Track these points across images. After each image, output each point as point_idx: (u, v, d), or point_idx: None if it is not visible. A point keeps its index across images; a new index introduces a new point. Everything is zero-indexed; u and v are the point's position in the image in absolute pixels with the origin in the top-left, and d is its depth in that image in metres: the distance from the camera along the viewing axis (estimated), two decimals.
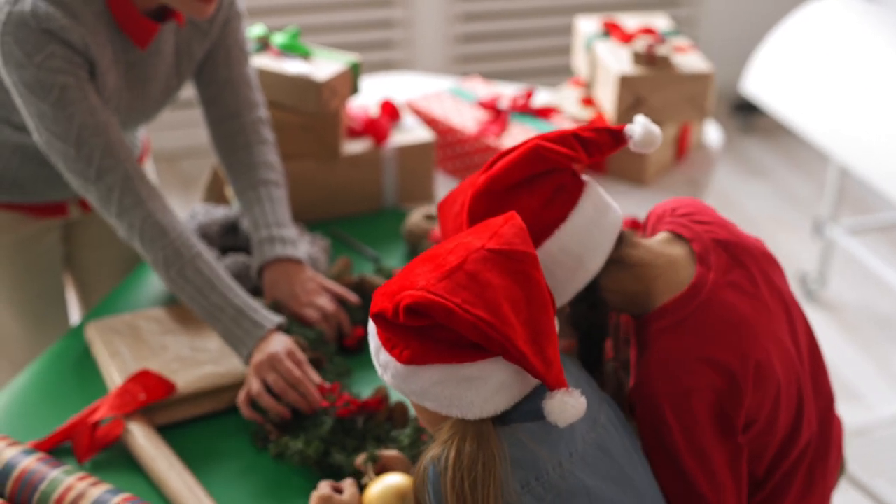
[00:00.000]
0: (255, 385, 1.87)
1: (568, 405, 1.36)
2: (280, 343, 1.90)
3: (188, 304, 1.96)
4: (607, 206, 1.61)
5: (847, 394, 3.61)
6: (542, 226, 1.55)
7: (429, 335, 1.38)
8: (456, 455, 1.38)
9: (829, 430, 1.75)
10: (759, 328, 1.60)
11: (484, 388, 1.38)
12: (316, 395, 1.86)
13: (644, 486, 1.51)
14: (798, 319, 1.71)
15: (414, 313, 1.36)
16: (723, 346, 1.56)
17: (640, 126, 1.58)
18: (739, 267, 1.64)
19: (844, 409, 3.52)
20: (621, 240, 1.62)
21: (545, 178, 1.56)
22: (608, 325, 1.64)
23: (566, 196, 1.57)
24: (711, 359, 1.54)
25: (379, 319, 1.42)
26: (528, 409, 1.42)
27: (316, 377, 1.90)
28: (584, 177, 1.61)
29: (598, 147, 1.58)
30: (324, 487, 1.67)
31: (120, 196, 1.94)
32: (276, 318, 1.94)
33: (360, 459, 1.72)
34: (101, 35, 1.93)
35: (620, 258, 1.61)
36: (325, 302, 2.07)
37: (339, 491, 1.68)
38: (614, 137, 1.59)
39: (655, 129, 1.58)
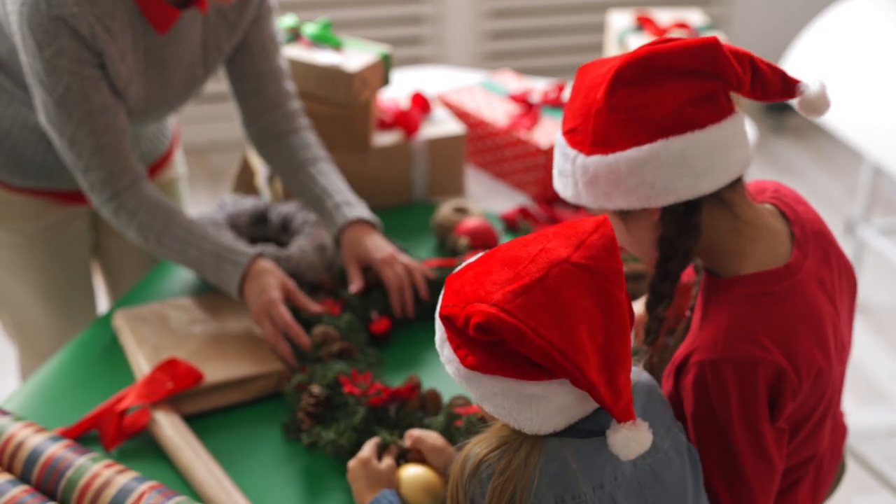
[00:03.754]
0: (262, 333, 2.00)
1: (632, 441, 1.31)
2: (272, 280, 2.00)
3: (179, 265, 2.08)
4: (744, 144, 1.52)
5: (877, 395, 3.58)
6: (677, 121, 1.46)
7: (497, 348, 1.32)
8: (505, 465, 1.35)
9: (829, 439, 1.73)
10: (828, 335, 1.56)
11: (545, 408, 1.33)
12: (305, 340, 1.97)
13: None
14: (846, 339, 1.68)
15: (484, 331, 1.30)
16: (799, 340, 1.52)
17: (817, 85, 1.51)
18: (828, 266, 1.61)
19: (875, 411, 3.50)
20: (737, 187, 1.55)
21: (704, 79, 1.47)
22: (687, 263, 1.55)
23: (714, 108, 1.48)
24: (787, 346, 1.50)
25: (448, 322, 1.36)
26: (581, 427, 1.37)
27: (313, 306, 2.03)
28: (737, 107, 1.53)
29: (764, 85, 1.49)
30: (368, 450, 1.68)
31: (100, 189, 2.03)
32: (251, 251, 2.03)
33: (374, 443, 1.71)
34: (118, 19, 1.93)
35: (731, 204, 1.54)
36: (402, 270, 2.10)
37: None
38: (785, 84, 1.51)
39: (830, 96, 1.51)
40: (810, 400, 1.57)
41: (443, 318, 1.37)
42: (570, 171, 1.54)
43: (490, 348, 1.32)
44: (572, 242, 1.33)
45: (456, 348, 1.35)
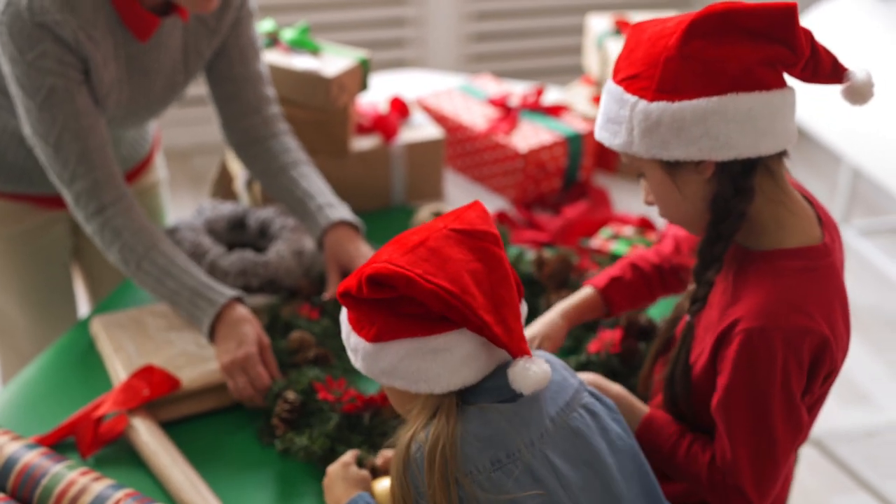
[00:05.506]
0: (233, 386, 1.91)
1: (530, 372, 1.39)
2: (250, 332, 1.93)
3: (154, 296, 2.01)
4: (794, 117, 1.56)
5: (857, 396, 3.60)
6: (748, 79, 1.49)
7: (394, 309, 1.42)
8: (433, 432, 1.41)
9: None
10: (850, 318, 1.61)
11: (450, 360, 1.41)
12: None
13: (621, 473, 1.51)
14: None
15: (376, 284, 1.40)
16: (837, 316, 1.56)
17: (864, 73, 1.54)
18: (841, 253, 1.65)
19: (855, 411, 3.51)
20: (782, 160, 1.59)
21: (775, 44, 1.49)
22: (740, 226, 1.58)
23: (777, 74, 1.51)
24: (830, 321, 1.55)
25: (346, 298, 1.45)
26: (496, 386, 1.44)
27: (274, 369, 1.95)
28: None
29: (817, 65, 1.53)
30: (349, 456, 1.69)
31: (86, 202, 1.99)
32: (229, 293, 1.97)
33: (354, 452, 1.72)
34: (100, 27, 1.93)
35: (777, 174, 1.58)
36: None
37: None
38: (834, 68, 1.54)
39: (874, 87, 1.55)
40: (831, 378, 1.61)
41: (341, 296, 1.45)
42: (625, 118, 1.54)
43: (387, 311, 1.42)
44: (450, 218, 1.47)
45: (360, 329, 1.45)
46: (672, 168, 1.55)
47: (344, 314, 1.50)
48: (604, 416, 1.53)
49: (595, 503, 1.47)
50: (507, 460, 1.42)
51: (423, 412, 1.44)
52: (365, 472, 1.67)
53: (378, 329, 1.43)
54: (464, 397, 1.45)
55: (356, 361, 1.48)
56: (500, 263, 1.44)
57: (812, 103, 3.40)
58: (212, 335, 1.96)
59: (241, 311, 1.96)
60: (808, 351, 1.53)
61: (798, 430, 1.58)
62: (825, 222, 1.63)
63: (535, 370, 1.40)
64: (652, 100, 1.51)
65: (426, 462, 1.40)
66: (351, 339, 1.48)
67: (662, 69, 1.50)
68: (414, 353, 1.42)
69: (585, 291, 1.91)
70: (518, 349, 1.41)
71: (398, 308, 1.42)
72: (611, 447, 1.51)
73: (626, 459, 1.53)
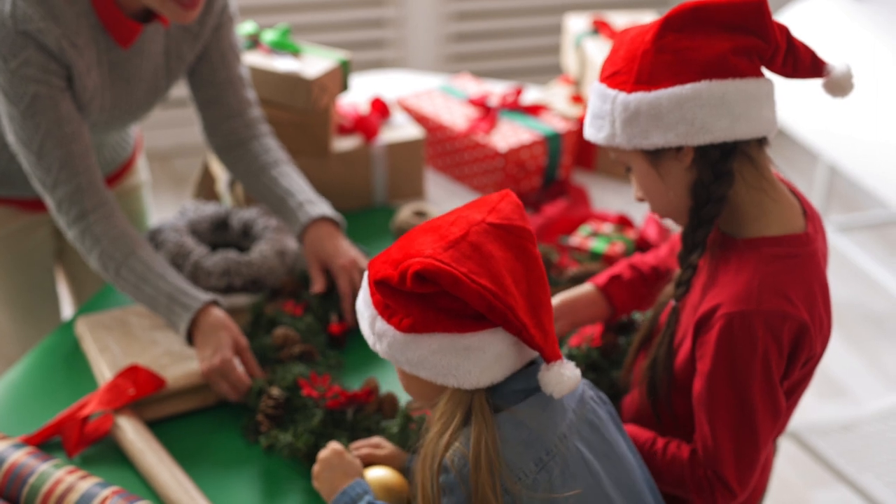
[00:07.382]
0: (217, 391, 1.94)
1: (564, 376, 1.40)
2: (225, 338, 1.94)
3: (134, 301, 2.04)
4: (774, 108, 1.60)
5: (835, 389, 3.63)
6: (721, 66, 1.54)
7: (431, 303, 1.40)
8: (473, 442, 1.40)
9: None
10: (831, 306, 1.65)
11: (482, 358, 1.41)
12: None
13: (632, 466, 1.54)
14: None
15: (422, 280, 1.38)
16: (817, 303, 1.60)
17: (844, 66, 1.59)
18: (824, 245, 1.69)
19: (833, 405, 3.54)
20: (764, 149, 1.63)
21: (746, 35, 1.55)
22: (720, 210, 1.62)
23: (753, 64, 1.56)
24: (810, 306, 1.58)
25: (382, 286, 1.43)
26: (518, 389, 1.45)
27: (259, 370, 1.97)
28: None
29: (796, 59, 1.58)
30: (339, 445, 1.70)
31: (68, 208, 2.00)
32: (204, 297, 1.98)
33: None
34: (83, 35, 1.95)
35: (758, 162, 1.62)
36: (358, 278, 2.12)
37: None
38: (814, 63, 1.59)
39: (854, 78, 1.59)
40: (810, 364, 1.65)
41: (377, 283, 1.43)
42: (607, 111, 1.60)
43: (425, 304, 1.40)
44: (484, 209, 1.45)
45: (390, 316, 1.43)
46: (654, 157, 1.61)
47: (367, 297, 1.47)
48: (603, 411, 1.56)
49: (618, 494, 1.50)
50: (547, 458, 1.43)
51: (451, 409, 1.44)
52: (358, 462, 1.68)
53: (414, 321, 1.40)
54: (490, 398, 1.44)
55: (377, 345, 1.46)
56: (536, 263, 1.44)
57: (790, 102, 3.44)
58: (190, 339, 1.98)
59: (217, 314, 1.97)
60: (787, 335, 1.56)
61: (777, 415, 1.61)
62: (809, 214, 1.67)
63: (570, 375, 1.40)
64: (630, 91, 1.57)
65: (472, 470, 1.40)
66: (377, 324, 1.45)
67: (640, 62, 1.57)
68: (447, 348, 1.40)
69: (585, 288, 1.95)
70: (552, 353, 1.41)
71: (436, 302, 1.40)
72: (620, 439, 1.55)
73: (632, 453, 1.57)
